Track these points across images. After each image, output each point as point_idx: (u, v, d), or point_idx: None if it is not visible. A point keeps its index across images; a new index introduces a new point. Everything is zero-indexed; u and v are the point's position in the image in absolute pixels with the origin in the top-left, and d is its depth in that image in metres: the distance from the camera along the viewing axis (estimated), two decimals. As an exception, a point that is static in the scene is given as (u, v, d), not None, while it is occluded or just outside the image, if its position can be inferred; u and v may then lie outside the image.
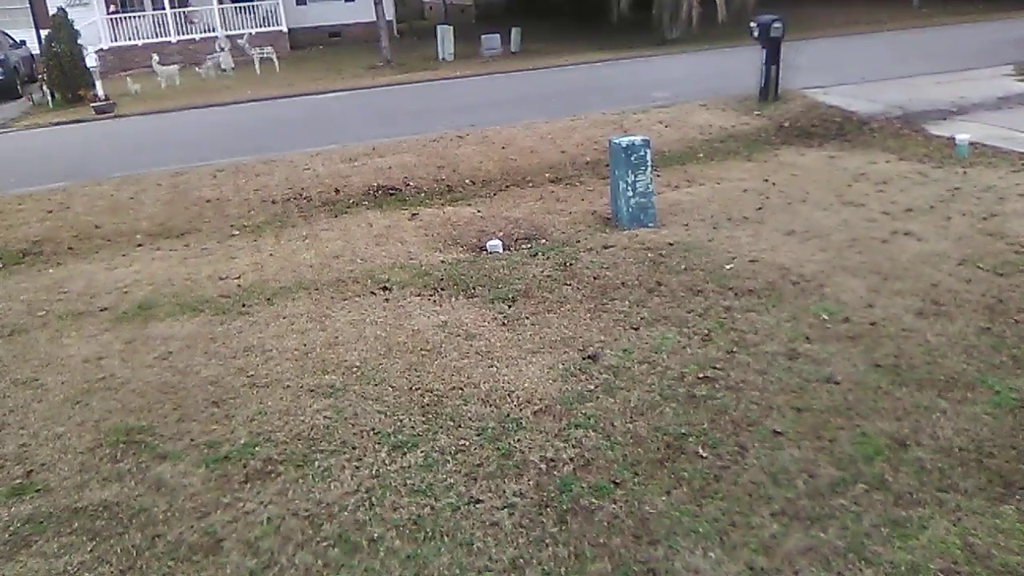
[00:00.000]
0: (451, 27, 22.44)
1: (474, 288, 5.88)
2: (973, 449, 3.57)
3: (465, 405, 4.23)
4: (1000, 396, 3.97)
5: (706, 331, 4.89)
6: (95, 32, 24.07)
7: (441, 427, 4.03)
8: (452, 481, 3.60)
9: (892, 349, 4.52)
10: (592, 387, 4.32)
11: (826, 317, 4.97)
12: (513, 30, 22.00)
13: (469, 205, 8.48)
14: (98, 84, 17.07)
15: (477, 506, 3.42)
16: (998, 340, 4.54)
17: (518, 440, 3.87)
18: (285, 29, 27.20)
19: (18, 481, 3.85)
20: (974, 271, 5.53)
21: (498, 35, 21.91)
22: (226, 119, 15.05)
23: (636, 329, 4.99)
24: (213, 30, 26.14)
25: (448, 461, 3.75)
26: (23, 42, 22.67)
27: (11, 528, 3.49)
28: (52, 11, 18.55)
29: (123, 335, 5.60)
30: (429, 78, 18.32)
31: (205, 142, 12.54)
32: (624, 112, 11.84)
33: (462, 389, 4.41)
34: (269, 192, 9.33)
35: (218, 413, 4.35)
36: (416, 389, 4.44)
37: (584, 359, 4.64)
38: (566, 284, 5.82)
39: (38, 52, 20.59)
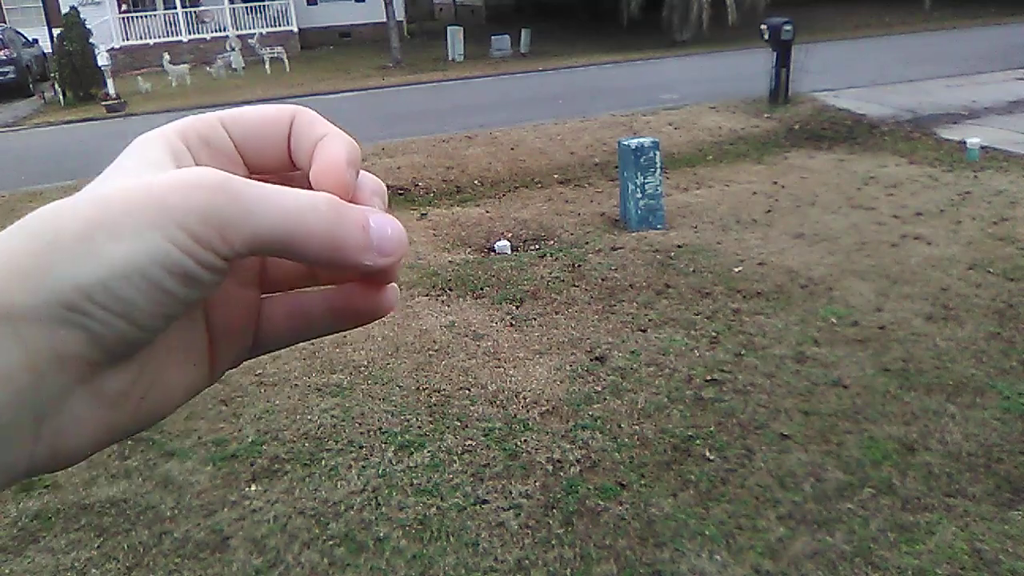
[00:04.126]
0: (461, 28, 22.47)
1: (482, 289, 5.88)
2: (982, 454, 3.56)
3: (472, 405, 4.24)
4: (1009, 401, 3.95)
5: (714, 333, 4.88)
6: (107, 31, 24.20)
7: (448, 427, 4.03)
8: (458, 481, 3.60)
9: (901, 353, 4.50)
10: (599, 389, 4.32)
11: (835, 320, 4.96)
12: (523, 31, 22.01)
13: (478, 206, 8.48)
14: (109, 83, 17.15)
15: (483, 506, 3.42)
16: (1008, 345, 4.52)
17: (525, 441, 3.88)
18: (295, 29, 27.29)
19: (27, 477, 3.87)
20: (984, 276, 5.50)
21: (508, 36, 21.92)
22: (236, 118, 15.08)
23: (644, 331, 4.99)
24: (224, 30, 26.25)
25: (455, 461, 3.75)
26: (35, 40, 22.80)
27: (19, 523, 3.51)
28: (64, 10, 18.65)
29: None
30: (439, 79, 18.35)
31: (215, 141, 12.55)
32: (633, 114, 11.83)
33: (469, 389, 4.41)
34: (278, 191, 9.33)
35: (226, 411, 4.36)
36: (423, 389, 4.45)
37: (592, 361, 4.64)
38: (574, 285, 5.82)
39: (50, 50, 20.70)
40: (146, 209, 0.29)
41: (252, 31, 25.83)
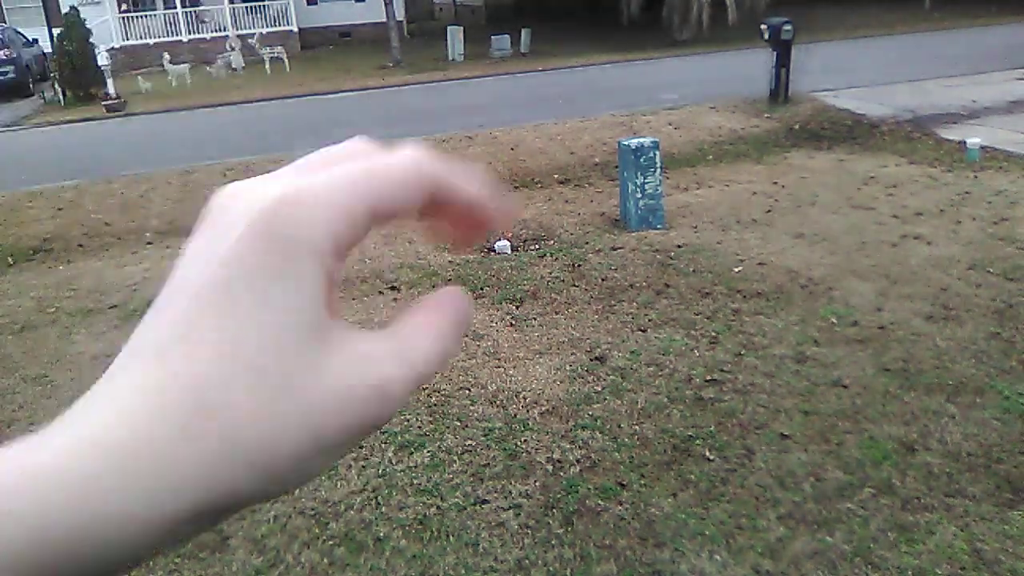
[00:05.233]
0: (461, 28, 22.47)
1: (482, 289, 5.88)
2: (981, 454, 3.56)
3: (472, 405, 4.24)
4: (1009, 401, 3.95)
5: (714, 333, 4.88)
6: (107, 31, 24.21)
7: (448, 427, 4.03)
8: (458, 481, 3.60)
9: (901, 353, 4.50)
10: (599, 389, 4.32)
11: (835, 320, 4.96)
12: (523, 31, 22.01)
13: (477, 206, 8.48)
14: (109, 83, 17.14)
15: (483, 506, 3.42)
16: (1008, 345, 4.52)
17: (524, 441, 3.88)
18: (295, 29, 27.30)
19: (27, 477, 3.87)
20: (984, 276, 5.50)
21: (508, 36, 21.92)
22: (236, 118, 15.11)
23: (644, 331, 4.99)
24: (224, 29, 26.25)
25: (454, 461, 3.75)
26: (35, 40, 22.79)
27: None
28: (64, 10, 18.65)
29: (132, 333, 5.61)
30: (439, 79, 18.35)
31: (215, 141, 12.58)
32: (633, 114, 11.83)
33: (469, 389, 4.41)
34: (278, 191, 9.33)
35: (226, 411, 4.36)
36: (423, 389, 4.45)
37: (592, 361, 4.64)
38: (574, 285, 5.82)
39: (50, 50, 20.70)
40: (361, 428, 0.30)
41: (252, 31, 25.82)
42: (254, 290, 0.28)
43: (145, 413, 0.27)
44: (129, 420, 0.27)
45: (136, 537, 0.26)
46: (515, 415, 4.11)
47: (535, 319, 5.29)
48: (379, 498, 3.52)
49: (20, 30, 22.51)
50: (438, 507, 3.43)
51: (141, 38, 25.81)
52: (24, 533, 0.24)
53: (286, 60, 22.41)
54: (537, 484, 3.55)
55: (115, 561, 0.26)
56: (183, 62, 22.18)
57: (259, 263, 0.28)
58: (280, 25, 27.10)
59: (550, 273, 6.10)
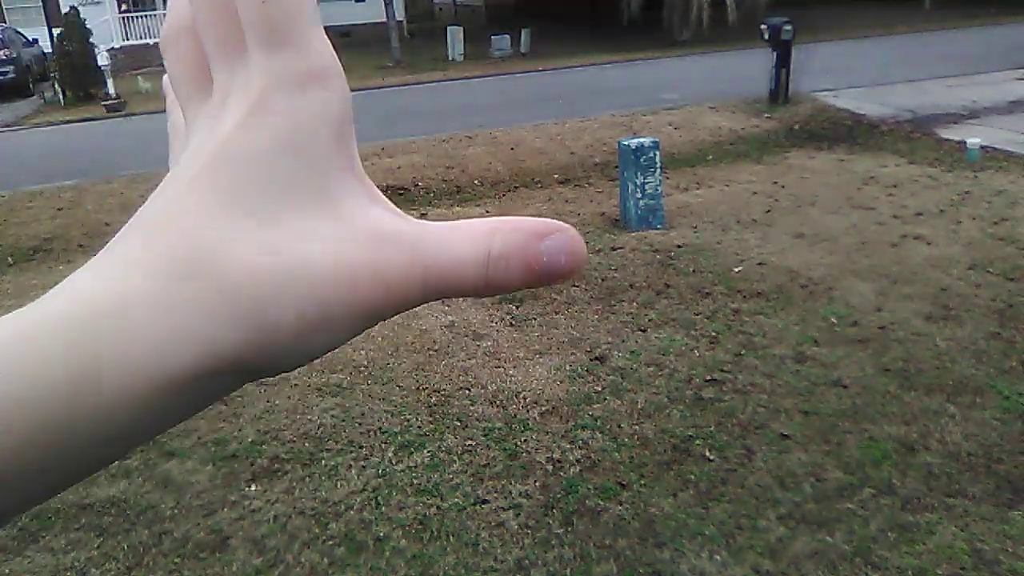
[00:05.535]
0: (461, 28, 22.46)
1: (482, 289, 5.87)
2: (981, 454, 3.56)
3: (472, 405, 4.24)
4: (1009, 401, 3.95)
5: (714, 333, 4.88)
6: (107, 31, 24.19)
7: (448, 427, 4.03)
8: (458, 481, 3.60)
9: (901, 353, 4.50)
10: (599, 389, 4.32)
11: (834, 320, 4.96)
12: (523, 31, 22.00)
13: (478, 206, 8.49)
14: (109, 83, 17.13)
15: (483, 506, 3.42)
16: (1008, 345, 4.52)
17: (524, 441, 3.88)
18: (295, 29, 27.26)
19: (27, 477, 3.86)
20: (984, 276, 5.50)
21: (508, 36, 21.91)
22: (236, 118, 15.06)
23: (644, 331, 4.99)
24: (224, 29, 26.21)
25: (454, 461, 3.75)
26: (35, 40, 22.77)
27: (19, 523, 3.51)
28: (64, 10, 18.65)
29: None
30: (439, 79, 18.34)
31: (215, 141, 12.54)
32: (634, 114, 11.83)
33: (469, 389, 4.41)
34: (278, 191, 9.33)
35: (225, 411, 4.36)
36: (423, 389, 4.45)
37: (592, 361, 4.64)
38: (574, 285, 5.82)
39: (50, 50, 20.70)
40: (362, 308, 0.28)
41: (252, 31, 25.75)
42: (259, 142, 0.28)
43: (140, 268, 0.26)
44: (124, 273, 0.26)
45: (132, 397, 0.25)
46: (515, 415, 4.11)
47: (535, 319, 5.29)
48: (379, 498, 3.52)
49: (20, 30, 22.49)
50: (438, 507, 3.43)
51: (141, 38, 25.78)
52: (15, 389, 0.24)
53: (286, 60, 22.35)
54: (537, 484, 3.55)
55: (113, 427, 0.25)
56: (183, 62, 22.10)
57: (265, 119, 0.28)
58: (280, 25, 27.07)
59: (550, 273, 6.09)
